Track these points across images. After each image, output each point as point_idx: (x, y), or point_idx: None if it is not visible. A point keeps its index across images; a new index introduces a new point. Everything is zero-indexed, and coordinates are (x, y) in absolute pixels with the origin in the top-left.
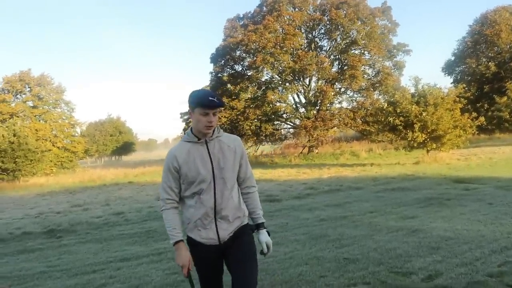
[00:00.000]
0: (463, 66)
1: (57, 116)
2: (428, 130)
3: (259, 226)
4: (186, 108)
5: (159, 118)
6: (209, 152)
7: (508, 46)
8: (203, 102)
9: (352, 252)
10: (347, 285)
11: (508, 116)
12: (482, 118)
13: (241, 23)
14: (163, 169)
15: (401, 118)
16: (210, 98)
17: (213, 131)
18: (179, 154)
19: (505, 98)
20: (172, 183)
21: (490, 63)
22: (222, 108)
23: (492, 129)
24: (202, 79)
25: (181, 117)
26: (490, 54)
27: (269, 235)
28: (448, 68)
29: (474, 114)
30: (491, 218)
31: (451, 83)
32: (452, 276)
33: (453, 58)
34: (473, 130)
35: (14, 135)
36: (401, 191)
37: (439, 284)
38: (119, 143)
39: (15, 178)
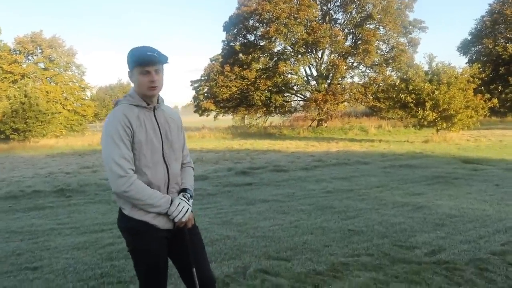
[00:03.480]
0: (480, 46)
1: (68, 79)
2: (440, 109)
3: (184, 190)
4: (195, 75)
5: (169, 85)
6: (157, 121)
7: None
8: (141, 59)
9: (357, 224)
10: (351, 256)
11: None
12: (495, 100)
13: None
14: (108, 137)
15: (413, 96)
16: (149, 53)
17: (158, 97)
18: (131, 118)
19: None
20: (127, 153)
21: (508, 44)
22: (164, 64)
23: (504, 112)
24: (213, 47)
25: (191, 85)
26: (508, 35)
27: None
28: (464, 48)
29: (487, 96)
30: (497, 198)
31: (466, 63)
32: (455, 252)
33: (469, 38)
34: (485, 112)
35: (25, 96)
36: (409, 168)
37: (441, 259)
38: None
39: (25, 139)
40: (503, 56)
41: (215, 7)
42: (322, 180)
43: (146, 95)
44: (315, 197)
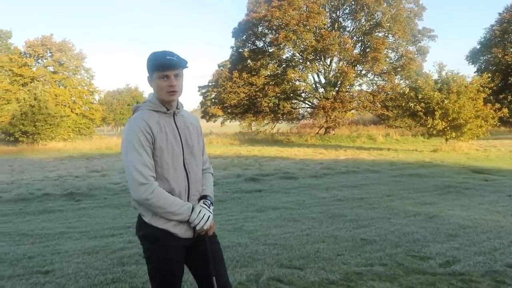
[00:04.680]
0: (489, 56)
1: (77, 83)
2: (449, 118)
3: (204, 197)
4: (202, 81)
5: None
6: (177, 127)
7: None
8: (160, 63)
9: (369, 233)
10: (364, 265)
11: None
12: (505, 110)
13: None
14: (129, 144)
15: (422, 104)
16: (168, 57)
17: (177, 103)
18: (152, 124)
19: None
20: (148, 160)
21: None
22: (184, 68)
23: None
24: (222, 53)
25: (198, 91)
26: None
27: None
28: (473, 57)
29: (497, 105)
30: (511, 210)
31: (475, 72)
32: (470, 263)
33: (478, 47)
34: (494, 122)
35: (35, 99)
36: (419, 177)
37: (456, 271)
38: None
39: (34, 141)
40: None
41: (223, 13)
42: (332, 188)
43: (166, 100)
44: (325, 205)
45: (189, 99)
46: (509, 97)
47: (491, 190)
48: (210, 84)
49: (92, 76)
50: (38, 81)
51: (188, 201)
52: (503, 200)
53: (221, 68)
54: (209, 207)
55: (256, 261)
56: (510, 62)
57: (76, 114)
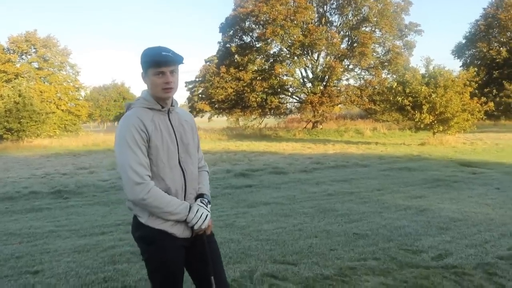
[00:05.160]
0: (474, 50)
1: (62, 79)
2: (436, 112)
3: (201, 196)
4: (189, 77)
5: None
6: (172, 125)
7: None
8: (155, 59)
9: (361, 228)
10: (358, 260)
11: None
12: (491, 103)
13: None
14: (123, 143)
15: (410, 99)
16: (164, 53)
17: (172, 100)
18: (146, 121)
19: None
20: (143, 159)
21: (501, 48)
22: (180, 64)
23: (497, 115)
24: (209, 49)
25: (185, 86)
26: (502, 39)
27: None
28: (458, 51)
29: (483, 99)
30: (499, 202)
31: (460, 66)
32: (462, 256)
33: (464, 41)
34: (481, 115)
35: (20, 96)
36: (408, 171)
37: (449, 264)
38: (122, 109)
39: (19, 139)
40: (497, 60)
41: (210, 8)
42: (322, 183)
43: (161, 98)
44: (316, 199)
45: (176, 94)
46: (494, 91)
47: (480, 183)
48: (197, 79)
49: (78, 72)
50: (23, 77)
51: (185, 200)
52: (492, 192)
53: (208, 63)
54: (206, 206)
55: (249, 257)
56: (494, 57)
57: (62, 110)
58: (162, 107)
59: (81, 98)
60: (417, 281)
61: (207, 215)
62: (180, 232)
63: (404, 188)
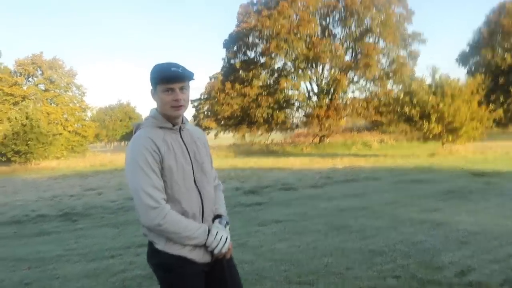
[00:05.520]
0: (478, 57)
1: (69, 100)
2: (445, 122)
3: (219, 217)
4: (194, 94)
5: None
6: (184, 143)
7: None
8: (164, 75)
9: (377, 244)
10: (377, 278)
11: None
12: (500, 111)
13: (254, 9)
14: (135, 165)
15: (417, 109)
16: (173, 69)
17: (182, 116)
18: (158, 142)
19: None
20: (157, 181)
21: (506, 54)
22: (190, 81)
23: (505, 123)
24: (214, 65)
25: (191, 103)
26: (506, 45)
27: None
28: (463, 59)
29: (492, 107)
30: None
31: (465, 74)
32: (486, 272)
33: (468, 49)
34: (490, 123)
35: (27, 118)
36: (420, 183)
37: (473, 281)
38: (128, 129)
39: (27, 161)
40: (502, 67)
41: (213, 25)
42: (333, 198)
43: (171, 115)
44: (328, 216)
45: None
46: (501, 97)
47: (495, 193)
48: (202, 97)
49: (84, 93)
50: (29, 99)
51: (202, 222)
52: (509, 203)
53: (213, 80)
54: (225, 228)
55: (264, 278)
56: (499, 63)
57: (69, 131)
58: (173, 125)
59: (87, 118)
60: None
61: (227, 237)
62: (199, 257)
63: (417, 201)
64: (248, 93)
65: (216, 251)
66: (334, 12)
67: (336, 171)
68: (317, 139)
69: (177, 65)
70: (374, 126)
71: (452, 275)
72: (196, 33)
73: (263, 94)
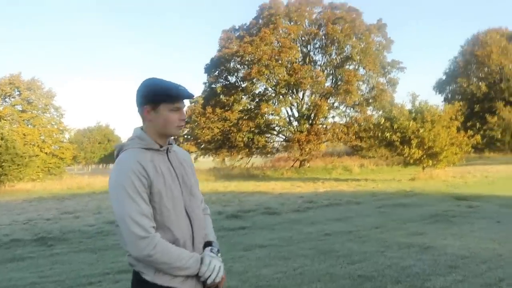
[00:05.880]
0: (454, 85)
1: (46, 121)
2: (425, 147)
3: (209, 244)
4: None
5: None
6: (172, 166)
7: (498, 67)
8: (172, 93)
9: (365, 269)
10: None
11: (499, 135)
12: (478, 137)
13: (236, 35)
14: (121, 191)
15: (398, 134)
16: (181, 88)
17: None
18: (146, 165)
19: (495, 118)
20: (146, 208)
21: (480, 83)
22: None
23: (481, 148)
24: (194, 89)
25: None
26: (480, 74)
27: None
28: (439, 87)
29: (471, 132)
30: (503, 237)
31: (442, 101)
32: None
33: (444, 77)
34: (468, 148)
35: (2, 139)
36: (403, 207)
37: None
38: (107, 151)
39: (0, 183)
40: (477, 95)
41: (194, 50)
42: (317, 222)
43: (170, 134)
44: (314, 240)
45: None
46: (478, 124)
47: (478, 216)
48: None
49: (62, 115)
50: (5, 120)
51: (193, 250)
52: (493, 227)
53: (193, 104)
54: (217, 255)
55: None
56: (474, 91)
57: (46, 153)
58: (160, 147)
59: (65, 140)
60: None
61: (220, 266)
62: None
63: (403, 225)
64: (229, 117)
65: (209, 281)
66: (315, 40)
67: (319, 195)
68: (297, 164)
69: (176, 84)
70: (354, 151)
71: None
72: (178, 56)
73: (244, 118)
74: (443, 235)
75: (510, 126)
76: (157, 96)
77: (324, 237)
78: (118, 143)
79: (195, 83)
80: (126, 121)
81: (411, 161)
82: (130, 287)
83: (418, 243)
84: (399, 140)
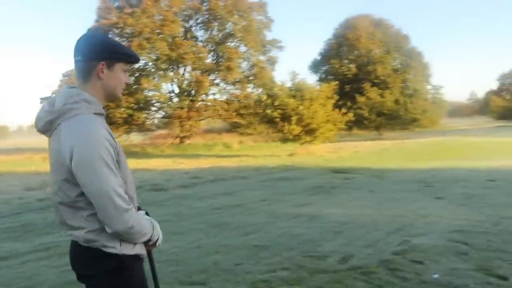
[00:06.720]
0: (328, 66)
1: None
2: (304, 124)
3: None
4: (47, 92)
5: (12, 101)
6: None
7: (366, 51)
8: (131, 54)
9: (260, 239)
10: (267, 272)
11: (367, 114)
12: (350, 114)
13: (116, 5)
14: (99, 161)
15: (279, 111)
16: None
17: None
18: (110, 131)
19: (364, 98)
20: (120, 180)
21: (351, 65)
22: None
23: (350, 126)
24: (70, 60)
25: (40, 103)
26: (351, 56)
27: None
28: (314, 67)
29: (344, 110)
30: (376, 204)
31: (316, 81)
32: (363, 256)
33: (319, 58)
34: (342, 125)
35: None
36: (286, 180)
37: (355, 265)
38: None
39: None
40: (348, 75)
41: (69, 18)
42: (205, 197)
43: (115, 97)
44: (205, 214)
45: (28, 113)
46: (348, 103)
47: (354, 187)
48: (53, 95)
49: None
50: None
51: None
52: (367, 195)
53: (67, 77)
54: None
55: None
56: (345, 72)
57: None
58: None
59: None
60: (331, 285)
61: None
62: (144, 251)
63: (288, 197)
64: None
65: (158, 243)
66: (198, 15)
67: (203, 171)
68: (177, 141)
69: None
70: (233, 127)
71: (335, 262)
72: (51, 25)
73: (123, 93)
74: (325, 204)
75: (376, 106)
76: (116, 54)
77: (214, 211)
78: (53, 109)
79: (70, 54)
80: None
81: (290, 137)
82: (79, 267)
83: (305, 213)
84: (279, 116)
